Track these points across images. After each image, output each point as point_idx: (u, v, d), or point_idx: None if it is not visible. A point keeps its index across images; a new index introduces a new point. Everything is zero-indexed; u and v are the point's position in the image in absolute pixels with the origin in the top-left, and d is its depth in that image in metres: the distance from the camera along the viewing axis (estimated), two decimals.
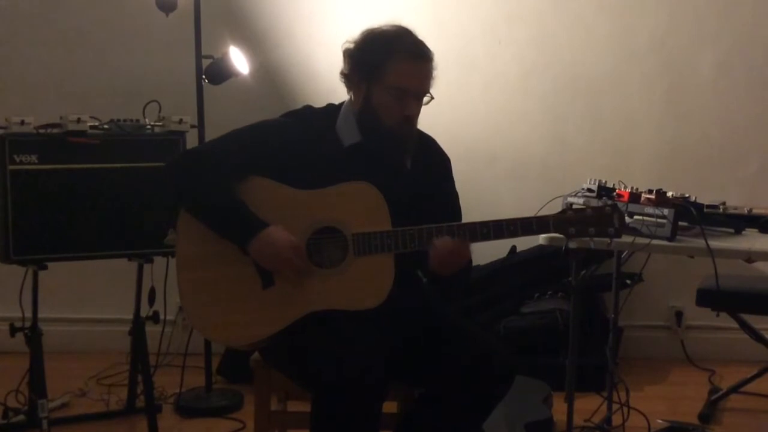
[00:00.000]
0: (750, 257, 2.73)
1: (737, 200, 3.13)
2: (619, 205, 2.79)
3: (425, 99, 2.43)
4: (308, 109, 2.56)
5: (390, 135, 2.40)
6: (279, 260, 2.30)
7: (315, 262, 2.35)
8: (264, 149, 2.41)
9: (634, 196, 2.83)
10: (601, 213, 2.33)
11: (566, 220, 2.34)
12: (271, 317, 2.34)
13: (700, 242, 2.69)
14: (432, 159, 2.56)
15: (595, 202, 2.62)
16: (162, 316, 3.36)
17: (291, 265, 2.30)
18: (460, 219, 2.51)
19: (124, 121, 3.27)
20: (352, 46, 2.45)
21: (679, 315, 4.35)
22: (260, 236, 2.29)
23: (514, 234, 2.34)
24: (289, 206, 2.37)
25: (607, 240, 2.36)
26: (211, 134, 3.44)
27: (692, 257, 2.84)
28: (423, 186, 2.48)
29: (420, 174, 2.49)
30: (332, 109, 2.52)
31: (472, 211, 2.61)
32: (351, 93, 2.48)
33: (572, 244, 2.56)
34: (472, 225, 2.34)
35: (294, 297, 2.34)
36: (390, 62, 2.37)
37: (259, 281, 2.35)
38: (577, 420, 3.23)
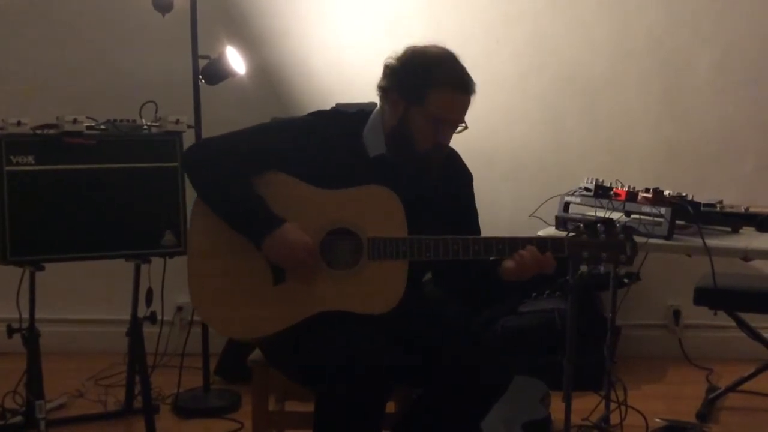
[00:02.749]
0: (747, 256, 2.74)
1: (734, 199, 3.14)
2: (616, 204, 2.82)
3: (459, 128, 2.43)
4: (336, 112, 2.55)
5: (419, 158, 2.40)
6: (292, 260, 2.30)
7: (327, 262, 2.35)
8: (287, 146, 2.40)
9: (631, 195, 2.83)
10: (614, 240, 2.35)
11: (580, 243, 2.35)
12: (280, 314, 2.33)
13: (697, 241, 2.69)
14: (455, 173, 2.57)
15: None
16: (159, 317, 3.36)
17: (304, 265, 2.30)
18: (478, 235, 2.50)
19: (121, 121, 3.27)
20: (395, 62, 2.41)
21: (676, 314, 4.35)
22: (274, 234, 2.28)
23: None
24: (306, 204, 2.36)
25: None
26: (207, 134, 3.43)
27: (689, 256, 2.84)
28: (443, 199, 2.48)
29: (442, 187, 2.49)
30: (361, 116, 2.49)
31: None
32: (385, 107, 2.44)
33: (583, 267, 2.58)
34: (488, 240, 2.34)
35: (304, 296, 2.33)
36: (434, 90, 2.34)
37: (271, 277, 2.35)
38: (575, 419, 3.23)
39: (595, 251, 2.35)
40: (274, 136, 2.44)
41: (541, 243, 2.34)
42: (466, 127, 2.43)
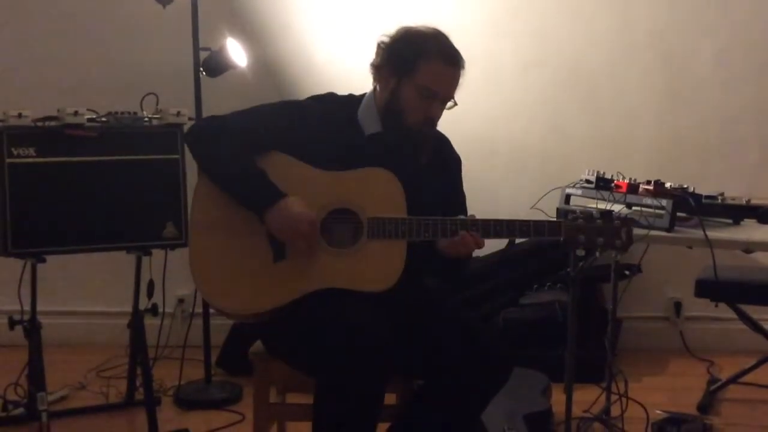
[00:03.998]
0: (748, 247, 2.74)
1: (736, 191, 3.13)
2: (617, 196, 2.82)
3: (449, 104, 2.47)
4: (331, 96, 2.59)
5: (410, 132, 2.45)
6: (294, 232, 2.32)
7: (328, 241, 2.37)
8: (287, 127, 2.44)
9: (633, 187, 2.83)
10: (610, 225, 2.37)
11: (576, 227, 2.38)
12: (279, 290, 2.35)
13: (698, 233, 2.69)
14: (445, 158, 2.61)
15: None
16: (161, 309, 3.36)
17: (305, 237, 2.32)
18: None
19: (122, 113, 3.27)
20: (387, 39, 2.47)
21: (677, 306, 4.35)
22: (278, 205, 2.32)
23: (525, 234, 2.38)
24: (307, 184, 2.40)
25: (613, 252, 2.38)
26: None
27: (691, 248, 2.84)
28: (433, 183, 2.52)
29: (432, 171, 2.53)
30: (354, 99, 2.56)
31: (471, 203, 2.62)
32: (378, 85, 2.51)
33: (579, 252, 2.59)
34: (486, 222, 2.37)
35: (304, 272, 2.35)
36: (423, 61, 2.40)
37: (271, 254, 2.37)
38: (576, 411, 3.23)
39: (591, 236, 2.37)
40: (275, 116, 2.47)
41: (539, 226, 2.37)
42: (455, 104, 2.48)
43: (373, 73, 2.51)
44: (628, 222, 2.39)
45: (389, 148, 2.47)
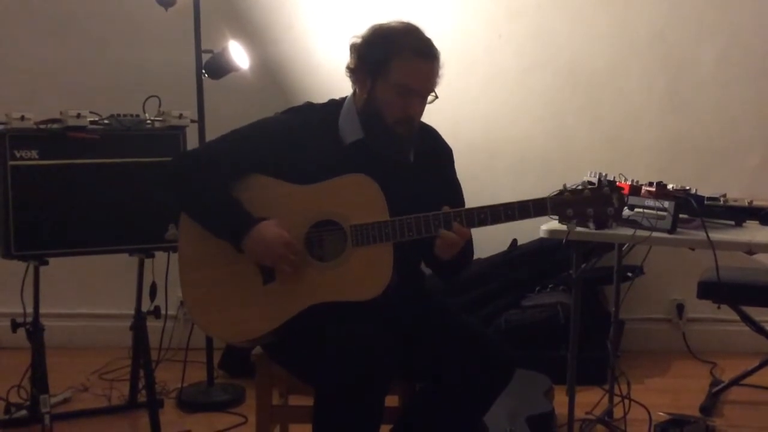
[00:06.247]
0: (751, 249, 2.73)
1: (738, 192, 3.13)
2: None
3: (429, 98, 2.41)
4: (309, 106, 2.55)
5: (391, 132, 2.39)
6: (272, 256, 2.31)
7: (316, 256, 2.36)
8: (263, 146, 2.41)
9: (635, 189, 2.82)
10: (599, 193, 2.30)
11: (563, 201, 2.30)
12: (272, 312, 2.34)
13: (700, 234, 2.69)
14: (434, 150, 2.55)
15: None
16: (163, 311, 3.37)
17: (284, 260, 2.31)
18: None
19: (124, 116, 3.28)
20: (359, 40, 2.43)
21: (680, 307, 4.35)
22: (251, 234, 2.30)
23: (511, 218, 2.31)
24: (287, 202, 2.37)
25: (608, 221, 2.33)
26: (211, 129, 3.45)
27: (693, 249, 2.84)
28: (426, 178, 2.47)
29: (423, 166, 2.48)
30: (334, 106, 2.51)
31: (472, 205, 2.61)
32: (355, 88, 2.46)
33: (572, 230, 2.52)
34: (469, 210, 2.32)
35: (294, 291, 2.34)
36: (395, 59, 2.35)
37: (260, 277, 2.37)
38: (579, 413, 3.23)
39: (580, 208, 2.29)
40: (251, 140, 2.44)
41: (524, 207, 2.30)
42: (436, 97, 2.42)
43: (349, 76, 2.46)
44: (617, 188, 2.30)
45: (372, 153, 2.41)
